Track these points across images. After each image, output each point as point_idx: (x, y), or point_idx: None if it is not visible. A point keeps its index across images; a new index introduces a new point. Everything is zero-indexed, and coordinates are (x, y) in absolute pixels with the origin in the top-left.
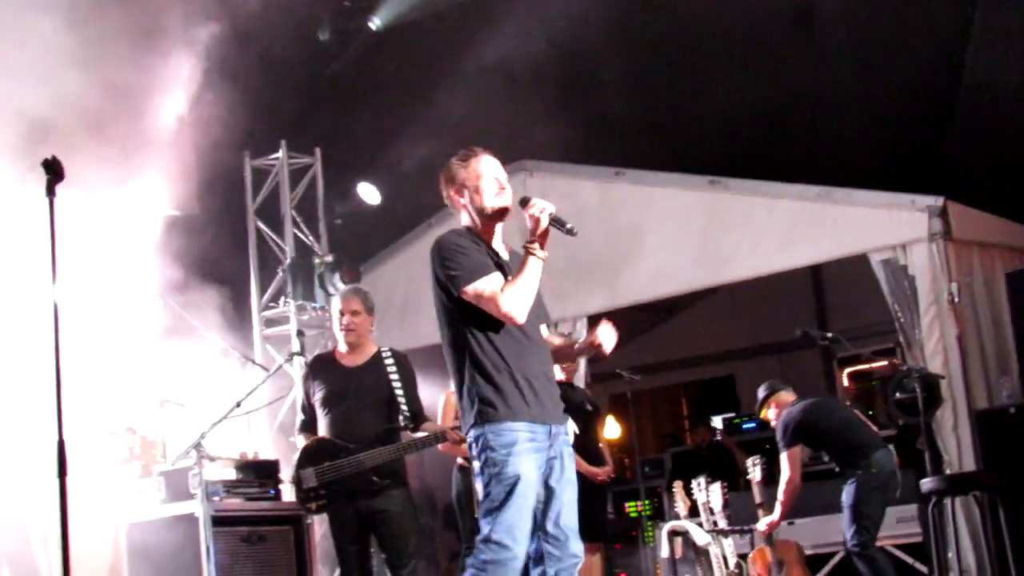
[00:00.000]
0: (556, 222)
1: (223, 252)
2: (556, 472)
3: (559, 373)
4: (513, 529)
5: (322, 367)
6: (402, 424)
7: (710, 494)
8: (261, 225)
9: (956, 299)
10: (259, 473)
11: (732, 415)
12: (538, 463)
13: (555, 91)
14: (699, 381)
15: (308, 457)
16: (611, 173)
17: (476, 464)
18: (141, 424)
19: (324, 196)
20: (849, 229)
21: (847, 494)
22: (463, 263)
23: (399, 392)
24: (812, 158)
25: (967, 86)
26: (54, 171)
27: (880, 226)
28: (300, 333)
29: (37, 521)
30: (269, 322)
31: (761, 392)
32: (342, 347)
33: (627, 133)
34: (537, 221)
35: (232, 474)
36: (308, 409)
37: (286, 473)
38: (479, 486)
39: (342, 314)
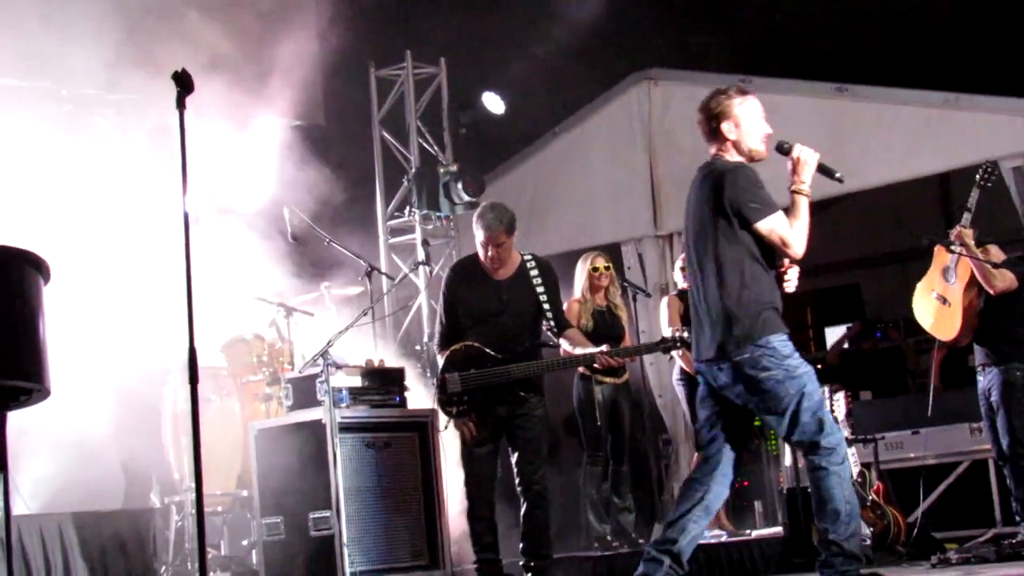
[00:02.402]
0: (823, 169)
1: (349, 162)
2: None
3: (682, 282)
4: (830, 416)
5: (469, 278)
6: (547, 334)
7: (834, 403)
8: (386, 135)
9: None
10: (384, 380)
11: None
12: None
13: None
14: (824, 289)
15: (455, 362)
16: (736, 81)
17: (770, 375)
18: (269, 332)
19: (448, 106)
20: (977, 136)
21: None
22: (762, 199)
23: (545, 303)
24: (940, 64)
25: None
26: (184, 84)
27: (1009, 132)
28: (425, 242)
29: (170, 428)
30: (394, 231)
31: None
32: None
33: (753, 40)
34: (803, 164)
35: (358, 381)
36: (450, 322)
37: (412, 381)
38: (778, 392)
39: (486, 245)
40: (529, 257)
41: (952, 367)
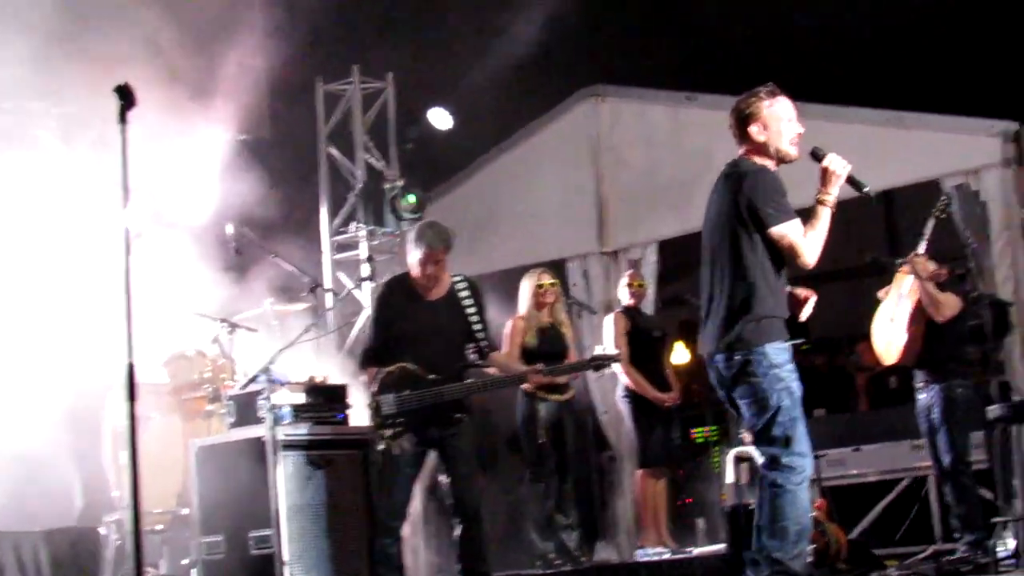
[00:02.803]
0: (852, 182)
1: (295, 176)
2: None
3: (627, 299)
4: (806, 439)
5: (404, 297)
6: (474, 357)
7: None
8: (332, 150)
9: None
10: (327, 397)
11: (801, 341)
12: None
13: (627, 15)
14: None
15: (388, 383)
16: (682, 97)
17: (755, 382)
18: (211, 348)
19: (395, 121)
20: (921, 154)
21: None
22: (780, 204)
23: (477, 324)
24: (885, 82)
25: None
26: (126, 97)
27: (952, 151)
28: (370, 258)
29: (108, 446)
30: (339, 247)
31: None
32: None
33: (701, 57)
34: (833, 175)
35: (301, 399)
36: (379, 336)
37: (356, 398)
38: (754, 406)
39: (425, 263)
40: (460, 278)
41: (880, 387)
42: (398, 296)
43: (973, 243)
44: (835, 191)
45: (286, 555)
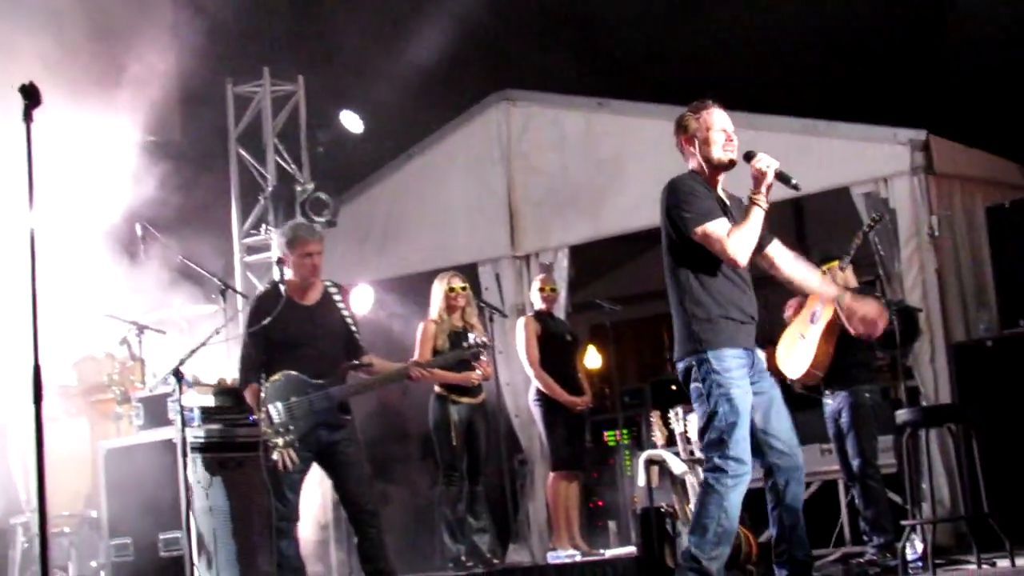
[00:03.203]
0: (780, 177)
1: (205, 178)
2: (763, 383)
3: (539, 303)
4: (744, 444)
5: (278, 306)
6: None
7: (687, 424)
8: (243, 152)
9: (936, 233)
10: (237, 399)
11: None
12: (748, 384)
13: (540, 19)
14: None
15: (276, 392)
16: (594, 103)
17: (697, 387)
18: (120, 350)
19: (306, 124)
20: (831, 162)
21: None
22: (696, 206)
23: (352, 326)
24: (796, 91)
25: (953, 20)
26: (31, 96)
27: (862, 159)
28: (280, 261)
29: (16, 447)
30: (250, 249)
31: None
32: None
33: (613, 63)
34: (763, 175)
35: (210, 401)
36: (257, 350)
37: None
38: (700, 409)
39: (308, 256)
40: (329, 282)
41: (787, 392)
42: (273, 306)
43: (881, 250)
44: (764, 189)
45: (196, 557)
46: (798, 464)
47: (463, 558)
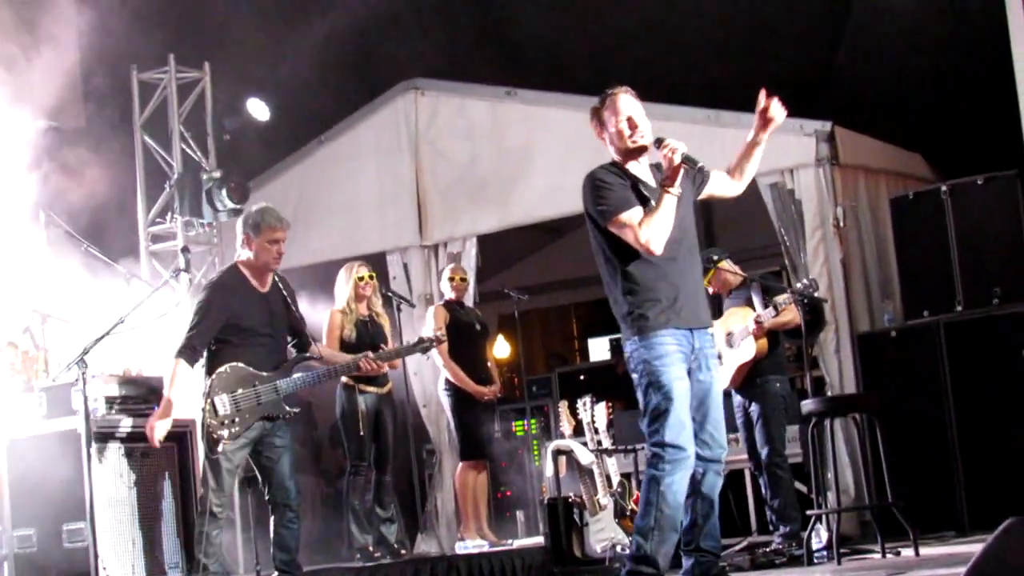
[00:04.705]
0: (687, 161)
1: (109, 166)
2: (702, 372)
3: (449, 292)
4: (681, 429)
5: (241, 291)
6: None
7: (595, 413)
8: (148, 139)
9: (841, 223)
10: (142, 389)
11: (619, 336)
12: (686, 368)
13: (446, 5)
14: (587, 302)
15: (222, 383)
16: (502, 92)
17: (635, 376)
18: (23, 339)
19: (212, 111)
20: (737, 152)
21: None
22: (608, 198)
23: (297, 316)
24: (702, 81)
25: (856, 10)
26: None
27: (768, 150)
28: (186, 249)
29: None
30: (155, 238)
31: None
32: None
33: (520, 52)
34: (670, 161)
35: (115, 390)
36: (206, 334)
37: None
38: (639, 392)
39: (277, 242)
40: (277, 274)
41: None
42: (237, 290)
43: (787, 240)
44: (677, 178)
45: (100, 548)
46: (719, 458)
47: (371, 548)
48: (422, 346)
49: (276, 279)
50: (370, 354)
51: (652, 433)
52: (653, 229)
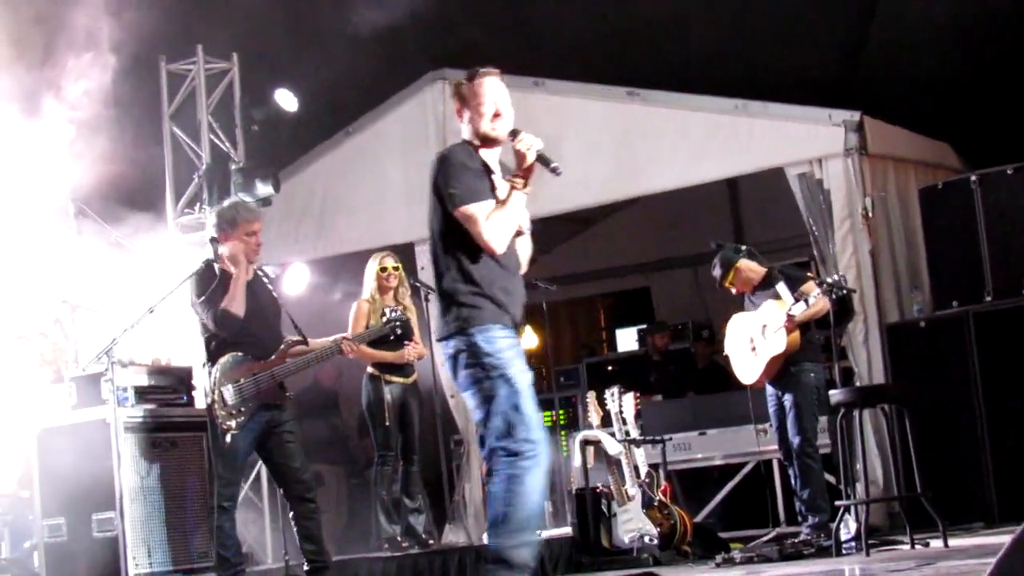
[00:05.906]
0: (542, 159)
1: (138, 157)
2: None
3: None
4: (531, 422)
5: (223, 284)
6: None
7: (623, 404)
8: (177, 130)
9: (870, 214)
10: (171, 379)
11: (646, 326)
12: (523, 363)
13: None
14: (615, 292)
15: (226, 373)
16: (529, 83)
17: (471, 372)
18: (53, 329)
19: (240, 102)
20: (765, 143)
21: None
22: (464, 183)
23: (281, 303)
24: (730, 72)
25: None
26: None
27: (796, 140)
28: (214, 240)
29: None
30: (184, 228)
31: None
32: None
33: (546, 42)
34: (523, 156)
35: (144, 380)
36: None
37: (199, 381)
38: (476, 396)
39: (256, 233)
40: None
41: (724, 372)
42: (224, 281)
43: (815, 231)
44: (530, 176)
45: (129, 538)
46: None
47: (399, 538)
48: (390, 326)
49: (257, 270)
50: (348, 335)
51: (506, 431)
52: (498, 227)
